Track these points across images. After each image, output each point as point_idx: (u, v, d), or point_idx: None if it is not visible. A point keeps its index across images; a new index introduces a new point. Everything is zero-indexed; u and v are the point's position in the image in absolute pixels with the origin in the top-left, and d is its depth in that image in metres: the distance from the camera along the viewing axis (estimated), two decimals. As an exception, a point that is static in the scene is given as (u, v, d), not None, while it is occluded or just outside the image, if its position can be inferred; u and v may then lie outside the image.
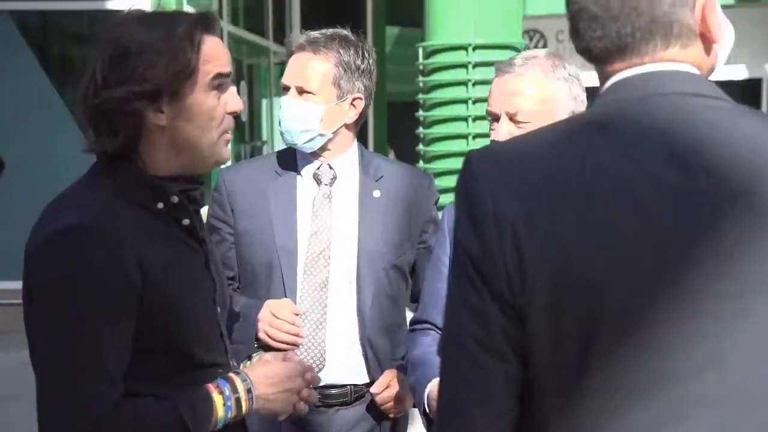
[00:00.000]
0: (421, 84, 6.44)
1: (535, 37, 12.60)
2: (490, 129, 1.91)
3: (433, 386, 1.87)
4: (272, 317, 2.15)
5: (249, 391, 1.53)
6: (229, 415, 1.50)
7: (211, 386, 1.50)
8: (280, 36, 11.48)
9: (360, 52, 2.20)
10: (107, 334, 1.39)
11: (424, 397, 1.89)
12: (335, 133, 2.22)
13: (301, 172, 2.27)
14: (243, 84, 10.28)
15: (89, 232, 1.39)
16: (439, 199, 2.41)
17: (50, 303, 1.39)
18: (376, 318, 2.21)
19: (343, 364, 2.22)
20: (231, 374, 1.54)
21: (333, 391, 2.23)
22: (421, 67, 6.49)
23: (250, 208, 2.23)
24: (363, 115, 2.26)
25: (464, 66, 6.17)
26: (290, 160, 2.29)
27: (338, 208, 2.24)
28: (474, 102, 6.12)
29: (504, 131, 1.85)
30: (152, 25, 1.44)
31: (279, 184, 2.25)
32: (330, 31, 2.21)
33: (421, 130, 6.51)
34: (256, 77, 11.17)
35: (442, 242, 2.05)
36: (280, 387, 1.58)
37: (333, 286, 2.20)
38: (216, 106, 1.49)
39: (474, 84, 6.12)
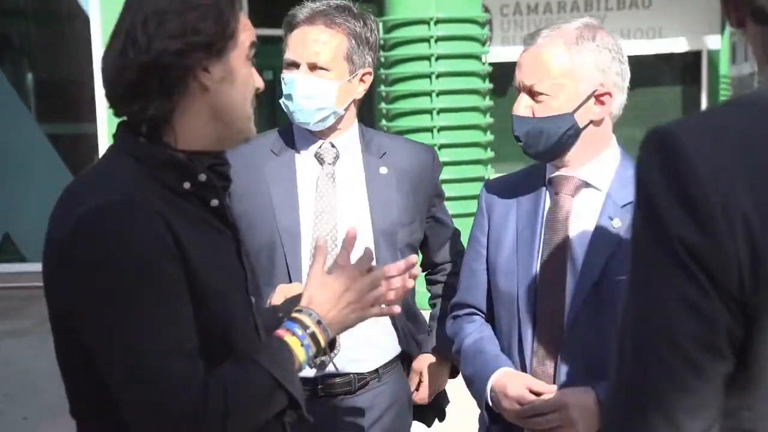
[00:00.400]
0: (382, 59, 6.37)
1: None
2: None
3: (498, 379, 1.83)
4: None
5: (319, 322, 1.44)
6: (310, 353, 1.42)
7: (281, 332, 1.42)
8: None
9: (369, 24, 2.13)
10: (174, 310, 1.29)
11: (487, 391, 1.85)
12: (346, 110, 2.15)
13: (300, 152, 2.20)
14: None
15: (127, 207, 1.29)
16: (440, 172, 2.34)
17: (105, 287, 1.26)
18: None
19: (351, 350, 2.13)
20: (294, 314, 1.46)
21: (337, 380, 2.16)
22: (382, 42, 6.42)
23: (248, 190, 2.11)
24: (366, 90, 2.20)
25: (426, 40, 6.13)
26: (287, 139, 2.20)
27: (342, 188, 2.16)
28: (437, 77, 6.10)
29: (523, 104, 1.82)
30: None
31: (277, 164, 2.16)
32: (334, 2, 2.12)
33: (383, 105, 6.45)
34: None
35: (481, 222, 2.01)
36: (345, 302, 1.48)
37: None
38: (251, 76, 1.45)
39: (437, 59, 6.09)
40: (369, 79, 2.16)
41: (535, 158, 1.88)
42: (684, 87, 18.23)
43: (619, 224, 1.79)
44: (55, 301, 1.36)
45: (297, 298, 1.55)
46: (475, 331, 1.96)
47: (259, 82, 1.46)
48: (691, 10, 18.09)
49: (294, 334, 1.41)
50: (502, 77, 6.34)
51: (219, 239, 1.43)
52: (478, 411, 1.97)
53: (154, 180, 1.36)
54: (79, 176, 1.44)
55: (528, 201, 1.91)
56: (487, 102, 6.50)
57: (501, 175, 2.11)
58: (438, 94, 6.16)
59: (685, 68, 18.05)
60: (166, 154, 1.38)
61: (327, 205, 2.13)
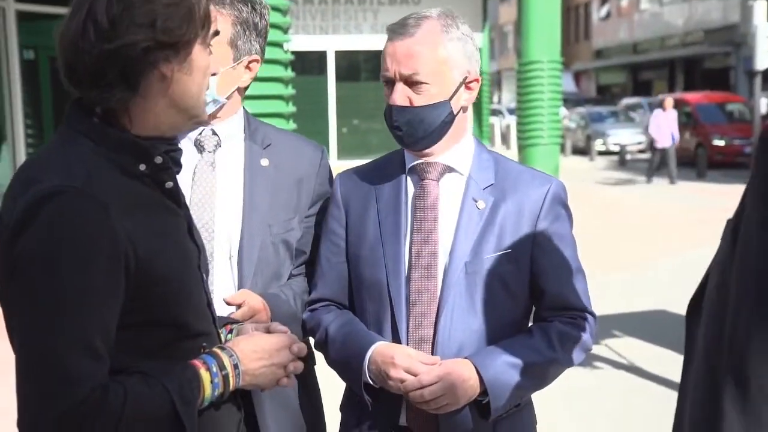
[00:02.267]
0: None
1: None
2: (385, 94, 1.88)
3: (380, 351, 1.82)
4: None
5: (236, 366, 1.46)
6: (216, 393, 1.43)
7: (197, 363, 1.42)
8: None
9: (257, 9, 2.03)
10: (96, 306, 1.28)
11: (365, 366, 1.83)
12: (228, 98, 2.04)
13: (178, 138, 2.09)
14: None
15: (76, 195, 1.27)
16: (331, 173, 2.20)
17: (35, 273, 1.26)
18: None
19: None
20: (217, 349, 1.47)
21: None
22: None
23: None
24: (253, 78, 2.12)
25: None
26: None
27: (222, 177, 2.04)
28: (241, 63, 5.98)
29: (400, 94, 1.83)
30: None
31: None
32: None
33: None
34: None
35: (337, 214, 1.98)
36: (267, 361, 1.51)
37: (218, 260, 2.02)
38: (208, 63, 1.43)
39: (240, 44, 5.98)
40: (256, 66, 2.07)
41: (410, 147, 1.90)
42: (449, 81, 19.30)
43: (483, 205, 1.87)
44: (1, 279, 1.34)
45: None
46: (337, 317, 1.95)
47: (215, 67, 1.46)
48: (456, 8, 19.14)
49: (209, 369, 1.42)
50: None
51: (172, 220, 1.42)
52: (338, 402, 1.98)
53: (109, 161, 1.34)
54: (35, 155, 1.40)
55: (388, 189, 1.93)
56: (290, 90, 6.49)
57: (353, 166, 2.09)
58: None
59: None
60: (124, 137, 1.36)
61: (205, 195, 2.02)
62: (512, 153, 18.42)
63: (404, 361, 1.79)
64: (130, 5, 1.30)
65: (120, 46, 1.30)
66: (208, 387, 1.41)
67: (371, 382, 1.85)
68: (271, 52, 6.26)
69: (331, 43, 16.58)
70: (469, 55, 1.86)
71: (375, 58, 17.68)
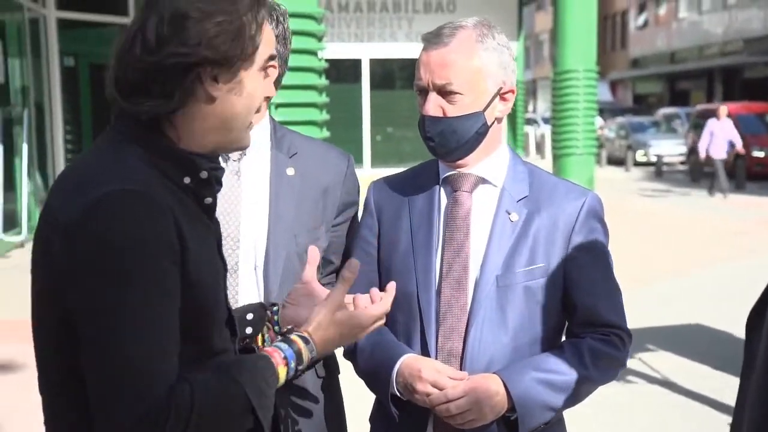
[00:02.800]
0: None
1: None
2: (419, 104, 1.86)
3: (407, 363, 1.80)
4: None
5: (312, 359, 1.48)
6: (288, 377, 1.44)
7: (276, 357, 1.41)
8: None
9: (275, 17, 2.02)
10: (165, 307, 1.27)
11: (393, 377, 1.81)
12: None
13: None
14: (-2, 43, 9.35)
15: (136, 197, 1.27)
16: (358, 182, 2.19)
17: (101, 276, 1.24)
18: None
19: None
20: (298, 341, 1.46)
21: None
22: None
23: None
24: (278, 84, 2.12)
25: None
26: None
27: (248, 186, 2.03)
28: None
29: (433, 104, 1.81)
30: None
31: None
32: None
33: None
34: (9, 35, 10.17)
35: (370, 223, 1.97)
36: (344, 341, 1.53)
37: (243, 271, 1.99)
38: (261, 88, 1.44)
39: (275, 52, 6.01)
40: (274, 72, 2.04)
41: (443, 157, 1.88)
42: (484, 90, 19.21)
43: (516, 218, 1.85)
44: (47, 279, 1.33)
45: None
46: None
47: (270, 91, 1.47)
48: (492, 17, 19.06)
49: (287, 365, 1.42)
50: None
51: (207, 234, 1.43)
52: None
53: (157, 170, 1.35)
54: (81, 160, 1.40)
55: (421, 200, 1.92)
56: (323, 98, 6.51)
57: (388, 174, 2.08)
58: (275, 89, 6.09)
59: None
60: (174, 147, 1.38)
61: (231, 205, 2.01)
62: (546, 162, 18.30)
63: (431, 375, 1.77)
64: (179, 25, 1.32)
65: (161, 58, 1.31)
66: (283, 379, 1.42)
67: (398, 394, 1.83)
68: (305, 60, 6.30)
69: (365, 51, 16.61)
70: (505, 66, 1.84)
71: (410, 66, 17.66)
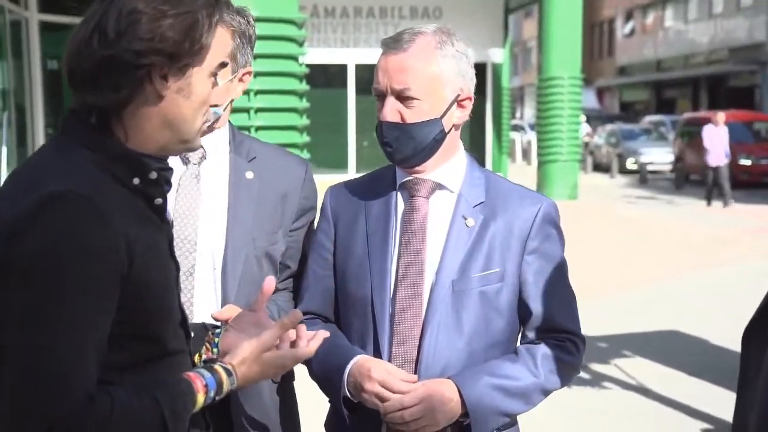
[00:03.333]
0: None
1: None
2: (377, 108, 1.86)
3: (359, 364, 1.80)
4: None
5: (231, 390, 1.47)
6: (204, 403, 1.43)
7: (198, 384, 1.40)
8: (15, -7, 10.50)
9: (250, 21, 2.04)
10: (92, 316, 1.26)
11: (344, 380, 1.81)
12: (224, 110, 2.02)
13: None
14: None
15: (79, 200, 1.26)
16: (316, 188, 2.18)
17: (31, 278, 1.24)
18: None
19: None
20: (221, 372, 1.45)
21: None
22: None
23: None
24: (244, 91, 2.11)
25: (244, 38, 6.04)
26: None
27: (207, 190, 2.02)
28: (255, 75, 6.01)
29: (391, 109, 1.81)
30: None
31: None
32: None
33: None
34: (-10, 37, 10.11)
35: (325, 228, 1.97)
36: (265, 375, 1.52)
37: (200, 274, 1.99)
38: (210, 93, 1.44)
39: (255, 58, 6.00)
40: (248, 78, 2.07)
41: (400, 164, 1.88)
42: (470, 96, 19.26)
43: (473, 223, 1.85)
44: None
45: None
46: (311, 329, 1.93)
47: (217, 99, 1.49)
48: (477, 23, 19.11)
49: (206, 393, 1.42)
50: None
51: (157, 235, 1.43)
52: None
53: (105, 171, 1.36)
54: (31, 160, 1.41)
55: (378, 205, 1.92)
56: (304, 103, 6.51)
57: (344, 180, 2.08)
58: (256, 94, 6.09)
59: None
60: (121, 148, 1.38)
61: (189, 208, 2.01)
62: (533, 169, 18.35)
63: (380, 375, 1.77)
64: (137, 21, 1.34)
65: (116, 52, 1.33)
66: (199, 406, 1.41)
67: (350, 396, 1.83)
68: (286, 65, 6.31)
69: (351, 56, 16.63)
70: (463, 73, 1.84)
71: (396, 72, 17.78)
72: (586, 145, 24.77)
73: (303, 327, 1.58)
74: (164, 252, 1.44)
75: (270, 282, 1.61)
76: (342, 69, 16.71)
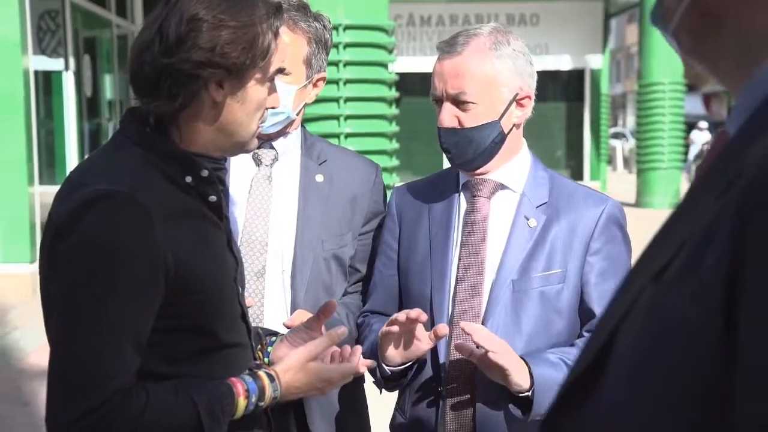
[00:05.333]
0: (290, 63, 6.32)
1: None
2: (437, 113, 1.85)
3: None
4: None
5: (275, 398, 1.49)
6: (243, 415, 1.45)
7: (239, 387, 1.43)
8: (122, 8, 10.98)
9: (327, 26, 2.07)
10: (131, 310, 1.32)
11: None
12: (297, 114, 2.07)
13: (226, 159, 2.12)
14: (87, 58, 9.74)
15: (120, 198, 1.32)
16: (385, 192, 2.20)
17: (73, 275, 1.31)
18: (309, 309, 1.98)
19: None
20: (265, 380, 1.48)
21: None
22: (290, 46, 6.36)
23: None
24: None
25: (335, 46, 6.12)
26: None
27: (278, 192, 2.06)
28: (345, 83, 6.10)
29: (448, 115, 1.81)
30: (231, 2, 1.41)
31: None
32: (294, 0, 2.02)
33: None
34: (99, 51, 10.60)
35: (391, 227, 1.99)
36: (310, 391, 1.55)
37: (270, 275, 2.03)
38: (266, 98, 1.48)
39: (345, 65, 6.09)
40: (322, 84, 2.10)
41: (461, 168, 1.88)
42: (567, 103, 18.95)
43: (535, 224, 1.83)
44: (42, 277, 1.41)
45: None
46: (377, 322, 1.93)
47: (274, 102, 1.50)
48: (576, 29, 18.82)
49: (248, 398, 1.43)
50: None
51: (213, 231, 1.47)
52: None
53: (157, 170, 1.40)
54: (87, 158, 1.48)
55: (441, 205, 1.92)
56: (393, 110, 6.56)
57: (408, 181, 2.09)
58: (345, 101, 6.16)
59: (569, 85, 18.77)
60: (173, 147, 1.42)
61: (260, 209, 2.05)
62: (633, 177, 17.93)
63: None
64: (198, 28, 1.36)
65: (175, 60, 1.36)
66: (241, 411, 1.43)
67: (384, 365, 1.83)
68: (375, 72, 6.36)
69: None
70: (521, 72, 1.82)
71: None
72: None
73: (358, 347, 1.63)
74: (220, 247, 1.48)
75: (330, 306, 1.64)
76: (426, 77, 16.74)
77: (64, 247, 1.32)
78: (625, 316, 0.68)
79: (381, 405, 2.24)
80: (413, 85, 14.20)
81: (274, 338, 1.73)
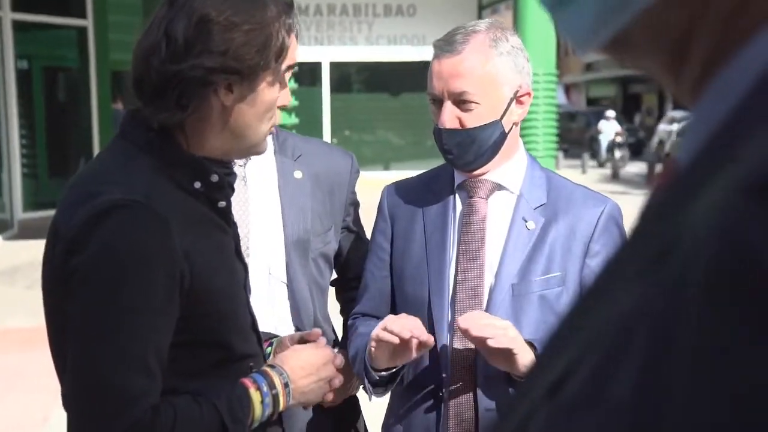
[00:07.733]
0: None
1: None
2: (432, 112, 1.81)
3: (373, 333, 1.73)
4: None
5: (286, 385, 1.44)
6: (266, 413, 1.41)
7: (248, 382, 1.39)
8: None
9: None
10: (153, 325, 1.27)
11: (366, 354, 1.77)
12: None
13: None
14: None
15: (135, 208, 1.26)
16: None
17: (93, 288, 1.25)
18: (311, 310, 2.03)
19: None
20: (267, 368, 1.45)
21: None
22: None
23: None
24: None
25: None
26: None
27: (254, 191, 2.00)
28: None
29: (449, 115, 1.76)
30: (242, 2, 1.32)
31: None
32: None
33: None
34: None
35: (383, 227, 1.93)
36: (315, 377, 1.50)
37: (254, 277, 1.92)
38: (276, 98, 1.40)
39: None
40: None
41: (462, 168, 1.84)
42: (443, 93, 19.32)
43: (533, 226, 1.81)
44: (51, 290, 1.35)
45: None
46: (362, 325, 1.89)
47: (285, 100, 1.43)
48: (451, 21, 19.15)
49: (259, 389, 1.40)
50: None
51: (222, 238, 1.41)
52: None
53: (166, 177, 1.33)
54: (90, 165, 1.40)
55: (436, 205, 1.88)
56: (293, 101, 6.45)
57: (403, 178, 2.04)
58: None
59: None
60: (182, 153, 1.35)
61: (238, 210, 1.95)
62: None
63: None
64: (208, 30, 1.28)
65: (186, 68, 1.28)
66: (258, 407, 1.39)
67: (372, 370, 1.78)
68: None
69: (325, 55, 16.56)
70: (520, 69, 1.79)
71: (369, 69, 17.65)
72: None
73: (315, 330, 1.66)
74: (230, 254, 1.43)
75: (313, 335, 1.64)
76: (316, 67, 16.63)
77: (80, 261, 1.24)
78: None
79: (376, 404, 2.19)
80: (301, 75, 14.04)
81: (275, 339, 1.69)
